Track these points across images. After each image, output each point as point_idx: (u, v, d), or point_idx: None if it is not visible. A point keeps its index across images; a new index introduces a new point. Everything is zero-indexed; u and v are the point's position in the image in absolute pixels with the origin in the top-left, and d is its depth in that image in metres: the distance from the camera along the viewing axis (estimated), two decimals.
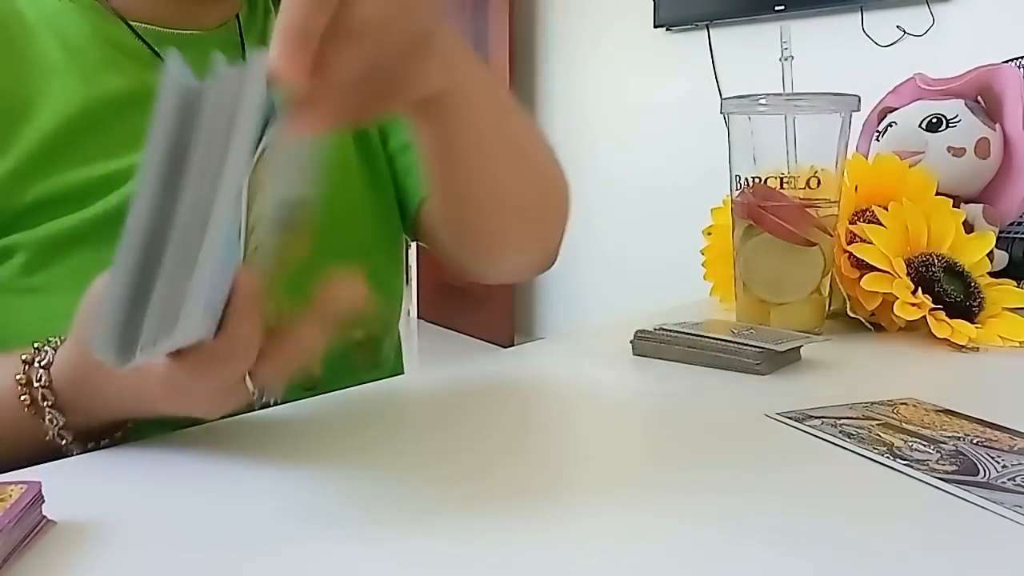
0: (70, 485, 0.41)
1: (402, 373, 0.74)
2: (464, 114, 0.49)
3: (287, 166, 0.39)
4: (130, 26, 0.60)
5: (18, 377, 0.46)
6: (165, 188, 0.34)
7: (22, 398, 0.46)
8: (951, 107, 0.83)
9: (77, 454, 0.46)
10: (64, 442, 0.46)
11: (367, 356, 0.67)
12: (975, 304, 0.72)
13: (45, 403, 0.45)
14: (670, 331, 0.65)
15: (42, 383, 0.45)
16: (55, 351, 0.46)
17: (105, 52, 0.59)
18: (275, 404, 0.52)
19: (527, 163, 0.61)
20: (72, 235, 0.54)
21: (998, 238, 0.80)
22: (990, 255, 0.77)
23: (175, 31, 0.62)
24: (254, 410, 0.51)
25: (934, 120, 0.83)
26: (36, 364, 0.46)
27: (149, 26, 0.61)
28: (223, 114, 0.33)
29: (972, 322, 0.70)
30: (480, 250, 0.65)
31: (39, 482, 0.36)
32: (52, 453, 0.46)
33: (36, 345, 0.47)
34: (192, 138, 0.33)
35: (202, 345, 0.39)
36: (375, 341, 0.68)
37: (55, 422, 0.46)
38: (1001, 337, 0.70)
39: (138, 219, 0.34)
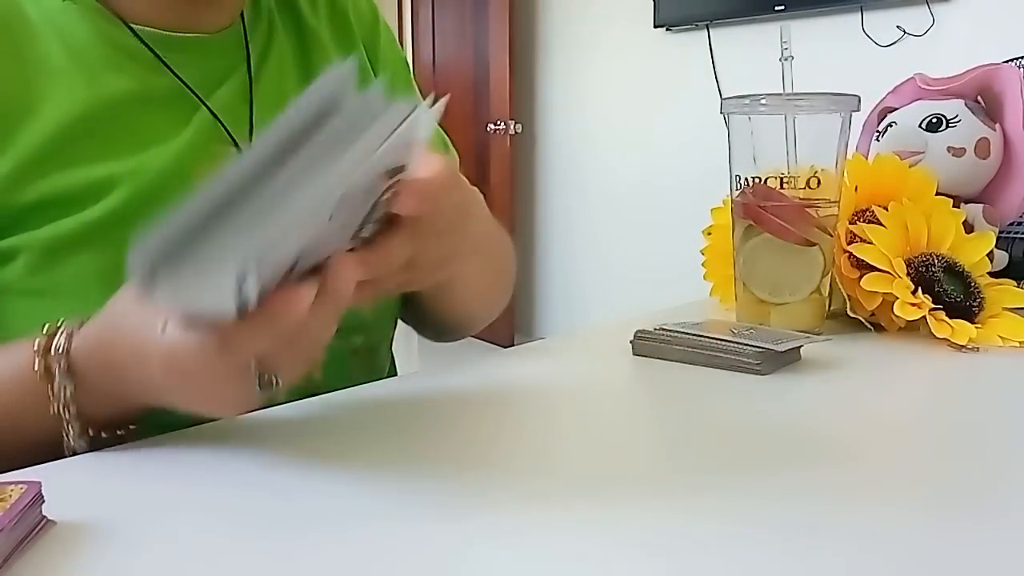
0: (70, 485, 0.41)
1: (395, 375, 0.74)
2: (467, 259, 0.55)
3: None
4: (132, 29, 0.60)
5: (37, 345, 0.46)
6: (272, 159, 0.35)
7: (36, 367, 0.45)
8: (951, 107, 0.83)
9: (77, 450, 0.46)
10: (67, 420, 0.46)
11: (365, 363, 0.67)
12: (975, 304, 0.72)
13: (56, 366, 0.45)
14: (670, 331, 0.65)
15: (59, 351, 0.46)
16: (80, 325, 0.47)
17: (108, 54, 0.59)
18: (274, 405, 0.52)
19: (496, 261, 0.70)
20: (74, 238, 0.54)
21: (998, 238, 0.80)
22: (990, 255, 0.77)
23: (177, 34, 0.61)
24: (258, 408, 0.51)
25: (934, 120, 0.83)
26: (58, 334, 0.46)
27: (151, 29, 0.60)
28: (355, 127, 0.36)
29: (972, 322, 0.70)
30: (445, 329, 0.73)
31: (39, 482, 0.36)
32: (54, 440, 0.46)
33: (61, 320, 0.47)
34: (318, 131, 0.36)
35: (214, 327, 0.39)
36: (373, 348, 0.68)
37: (64, 390, 0.45)
38: (1001, 337, 0.70)
39: (237, 169, 0.35)
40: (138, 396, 0.46)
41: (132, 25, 0.60)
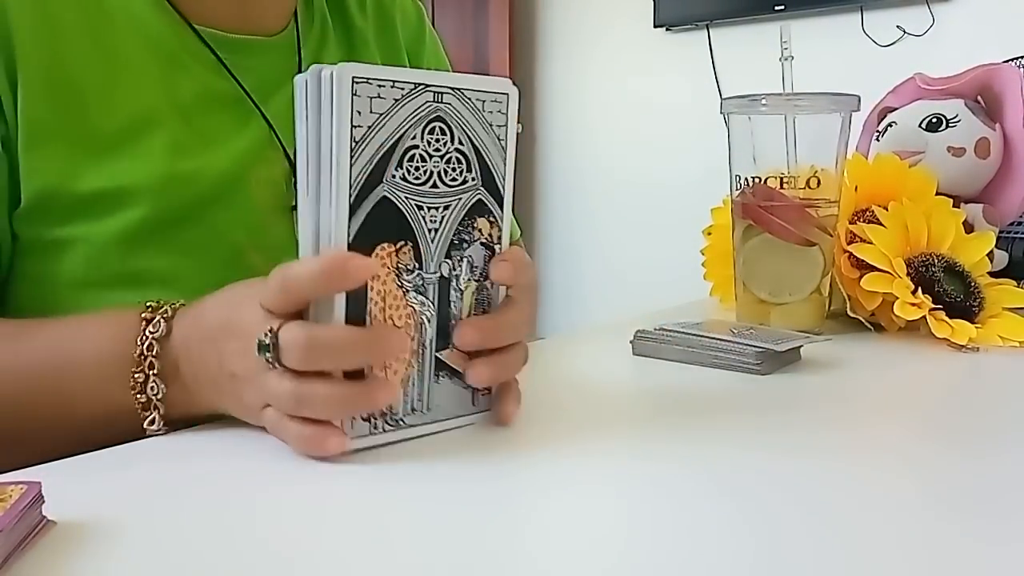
0: (70, 485, 0.41)
1: None
2: None
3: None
4: (195, 29, 0.60)
5: (140, 346, 0.46)
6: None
7: (135, 360, 0.46)
8: (951, 107, 0.83)
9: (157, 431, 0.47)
10: (154, 415, 0.47)
11: None
12: (975, 304, 0.72)
13: (152, 371, 0.46)
14: (670, 331, 0.65)
15: (153, 352, 0.46)
16: (173, 314, 0.47)
17: (176, 52, 0.59)
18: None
19: None
20: (135, 234, 0.55)
21: (998, 238, 0.80)
22: (990, 255, 0.77)
23: (235, 35, 0.62)
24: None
25: (934, 120, 0.83)
26: (148, 334, 0.46)
27: (211, 30, 0.61)
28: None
29: (972, 322, 0.70)
30: None
31: (39, 482, 0.36)
32: (132, 421, 0.47)
33: (152, 305, 0.47)
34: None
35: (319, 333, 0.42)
36: None
37: (156, 391, 0.46)
38: (1001, 337, 0.70)
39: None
40: (220, 402, 0.46)
41: (195, 25, 0.61)
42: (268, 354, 0.42)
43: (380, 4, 0.74)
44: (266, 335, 0.42)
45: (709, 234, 0.86)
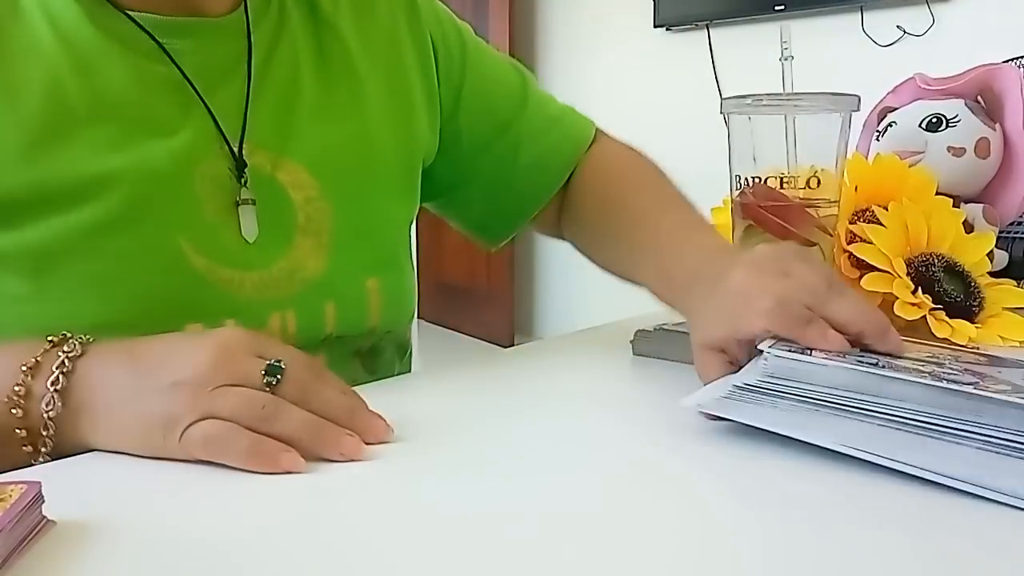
0: (70, 485, 0.41)
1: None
2: None
3: None
4: (128, 15, 0.56)
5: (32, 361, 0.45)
6: None
7: (14, 411, 0.44)
8: (951, 107, 0.83)
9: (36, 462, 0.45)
10: (41, 445, 0.45)
11: (367, 363, 0.66)
12: (975, 304, 0.72)
13: (53, 388, 0.44)
14: (670, 331, 0.65)
15: (54, 375, 0.44)
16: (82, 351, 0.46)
17: (100, 40, 0.55)
18: None
19: None
20: (67, 243, 0.52)
21: (998, 238, 0.80)
22: (990, 255, 0.77)
23: (177, 18, 0.58)
24: None
25: (934, 120, 0.83)
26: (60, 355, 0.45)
27: (147, 14, 0.57)
28: None
29: (972, 322, 0.70)
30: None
31: (39, 482, 0.36)
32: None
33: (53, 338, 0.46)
34: None
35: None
36: (376, 350, 0.67)
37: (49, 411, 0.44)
38: (1001, 337, 0.69)
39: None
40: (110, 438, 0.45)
41: (127, 11, 0.57)
42: (277, 376, 0.44)
43: None
44: (277, 361, 0.45)
45: None
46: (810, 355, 0.47)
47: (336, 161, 0.62)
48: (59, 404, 0.44)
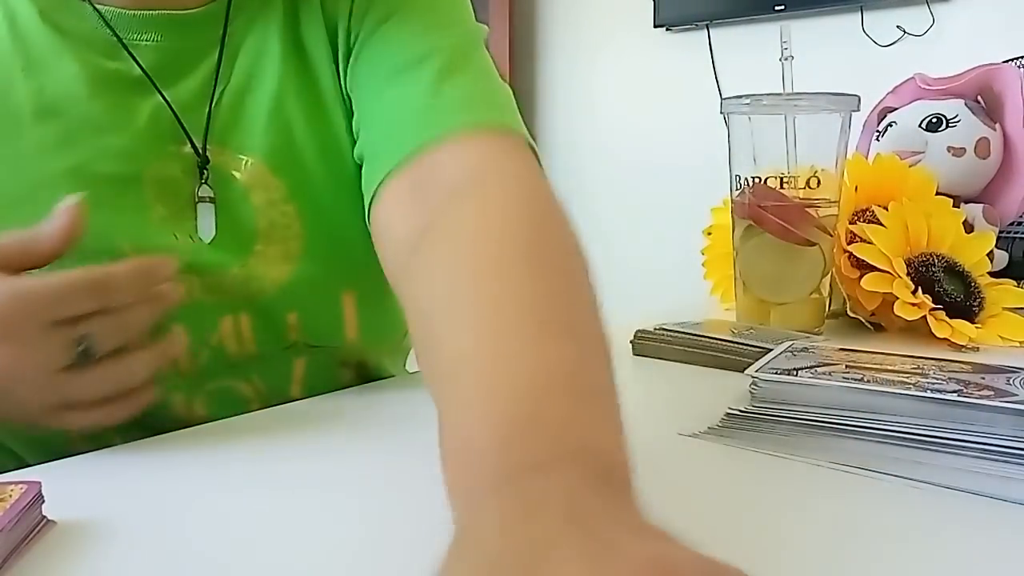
0: (70, 485, 0.41)
1: None
2: None
3: None
4: (95, 8, 0.53)
5: None
6: None
7: None
8: (951, 107, 0.83)
9: None
10: None
11: (353, 374, 0.62)
12: (975, 304, 0.72)
13: None
14: (670, 331, 0.65)
15: None
16: None
17: (52, 37, 0.53)
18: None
19: None
20: None
21: (998, 238, 0.80)
22: (990, 255, 0.77)
23: (138, 11, 0.54)
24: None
25: (934, 120, 0.83)
26: None
27: (110, 8, 0.54)
28: None
29: (972, 322, 0.70)
30: None
31: (39, 482, 0.36)
32: None
33: None
34: None
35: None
36: (362, 361, 0.62)
37: None
38: (1001, 337, 0.70)
39: None
40: None
41: (95, 4, 0.54)
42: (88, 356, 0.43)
43: None
44: (80, 341, 0.43)
45: (709, 234, 0.86)
46: (796, 375, 0.47)
47: (301, 160, 0.56)
48: None
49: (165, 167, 0.54)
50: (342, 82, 0.58)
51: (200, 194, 0.54)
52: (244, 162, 0.55)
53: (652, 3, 3.01)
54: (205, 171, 0.54)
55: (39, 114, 0.52)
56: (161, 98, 0.54)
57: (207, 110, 0.55)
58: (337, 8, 0.58)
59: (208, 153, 0.55)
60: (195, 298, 0.53)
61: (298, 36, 0.58)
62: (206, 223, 0.54)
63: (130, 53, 0.54)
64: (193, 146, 0.54)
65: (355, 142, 0.57)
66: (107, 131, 0.52)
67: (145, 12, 0.54)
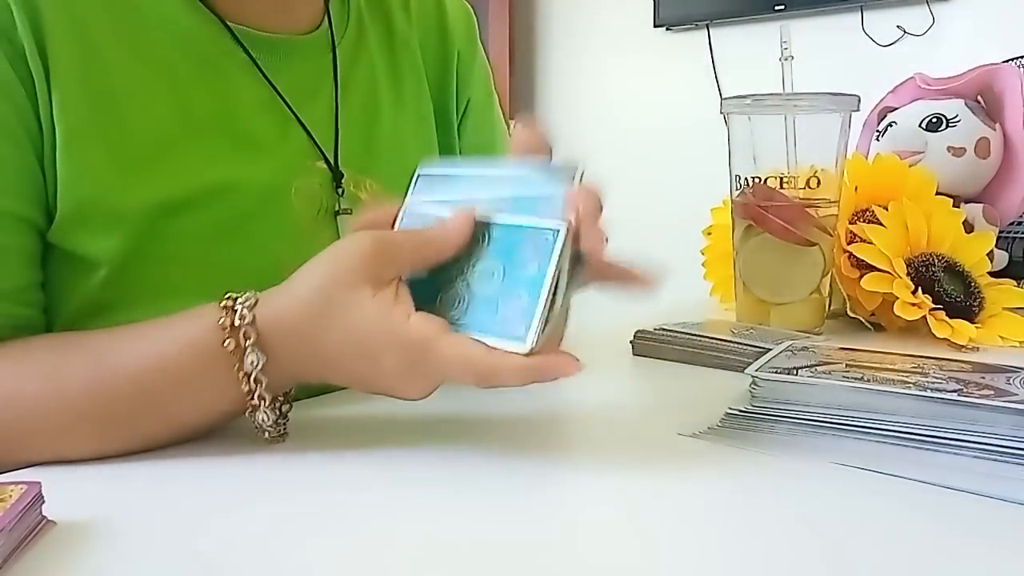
0: (70, 485, 0.41)
1: None
2: None
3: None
4: (229, 28, 0.57)
5: (221, 322, 0.44)
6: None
7: (226, 343, 0.44)
8: (951, 107, 0.83)
9: (266, 422, 0.45)
10: (258, 390, 0.44)
11: None
12: (975, 304, 0.72)
13: (247, 341, 0.44)
14: (670, 331, 0.65)
15: (246, 321, 0.44)
16: (256, 296, 0.45)
17: (210, 54, 0.57)
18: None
19: None
20: (171, 249, 0.52)
21: (998, 238, 0.80)
22: (990, 255, 0.77)
23: (268, 34, 0.59)
24: None
25: (934, 120, 0.83)
26: (239, 306, 0.45)
27: (243, 27, 0.58)
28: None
29: (972, 322, 0.70)
30: None
31: (39, 482, 0.36)
32: (237, 408, 0.45)
33: (231, 295, 0.46)
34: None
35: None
36: None
37: (256, 363, 0.44)
38: (1001, 337, 0.70)
39: None
40: (321, 373, 0.46)
41: (228, 23, 0.58)
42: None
43: (424, 5, 0.70)
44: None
45: (709, 234, 0.87)
46: (796, 375, 0.47)
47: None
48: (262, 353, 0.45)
49: (307, 181, 0.59)
50: (451, 107, 0.70)
51: (341, 207, 0.60)
52: (366, 183, 0.62)
53: (652, 3, 3.01)
54: (342, 185, 0.60)
55: (208, 125, 0.56)
56: (297, 120, 0.59)
57: (334, 129, 0.61)
58: (444, 52, 0.70)
59: (341, 169, 0.60)
60: None
61: (395, 61, 0.67)
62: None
63: (268, 79, 0.58)
64: (327, 162, 0.60)
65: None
66: (261, 148, 0.57)
67: (271, 35, 0.60)
